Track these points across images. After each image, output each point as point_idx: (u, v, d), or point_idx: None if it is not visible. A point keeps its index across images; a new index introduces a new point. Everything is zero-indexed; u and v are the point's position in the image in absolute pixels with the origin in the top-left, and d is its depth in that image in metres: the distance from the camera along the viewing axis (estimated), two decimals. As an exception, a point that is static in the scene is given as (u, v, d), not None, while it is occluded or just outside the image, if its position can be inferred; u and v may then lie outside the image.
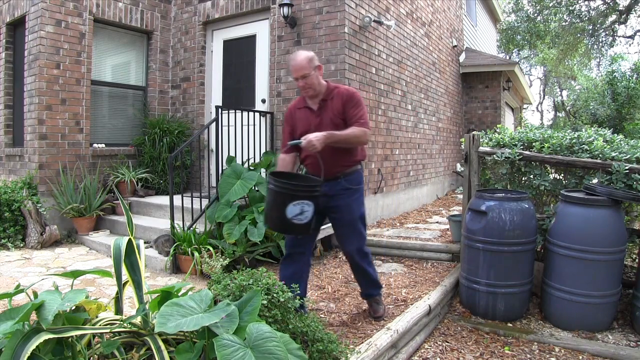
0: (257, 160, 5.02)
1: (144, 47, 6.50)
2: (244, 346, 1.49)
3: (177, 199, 4.45)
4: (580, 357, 2.73)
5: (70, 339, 1.60)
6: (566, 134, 3.70)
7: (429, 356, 2.71)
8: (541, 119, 30.45)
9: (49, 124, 5.25)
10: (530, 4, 17.31)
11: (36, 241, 4.85)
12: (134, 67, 6.43)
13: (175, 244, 4.03)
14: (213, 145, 5.30)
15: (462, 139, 3.94)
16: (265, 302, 1.84)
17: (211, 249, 3.86)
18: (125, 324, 1.80)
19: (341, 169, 2.70)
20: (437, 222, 5.82)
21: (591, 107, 14.48)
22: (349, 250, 2.82)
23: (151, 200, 5.55)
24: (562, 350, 2.80)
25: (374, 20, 5.57)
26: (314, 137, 2.44)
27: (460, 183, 9.22)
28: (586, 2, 14.74)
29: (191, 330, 1.56)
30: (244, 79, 5.95)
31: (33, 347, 1.41)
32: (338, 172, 2.69)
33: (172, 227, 4.19)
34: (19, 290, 1.72)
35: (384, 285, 3.64)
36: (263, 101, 5.71)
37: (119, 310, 2.02)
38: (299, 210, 2.32)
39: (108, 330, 1.76)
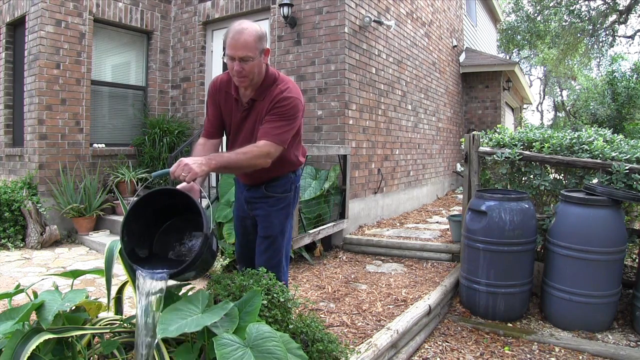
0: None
1: (144, 47, 6.50)
2: (244, 346, 1.49)
3: (177, 199, 4.44)
4: (580, 357, 2.73)
5: (70, 339, 1.60)
6: (566, 134, 3.70)
7: (429, 356, 2.71)
8: (541, 119, 30.48)
9: (49, 124, 5.25)
10: (530, 4, 17.31)
11: (36, 241, 4.85)
12: (134, 67, 6.43)
13: (175, 244, 4.02)
14: (213, 145, 5.29)
15: (462, 139, 3.94)
16: (265, 302, 1.84)
17: (211, 249, 3.85)
18: (125, 324, 1.80)
19: (266, 177, 2.24)
20: (437, 222, 5.82)
21: (591, 107, 14.50)
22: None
23: (151, 200, 5.54)
24: (562, 350, 2.80)
25: (374, 20, 5.57)
26: (192, 162, 1.74)
27: (460, 183, 9.22)
28: (586, 2, 14.74)
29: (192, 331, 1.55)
30: (244, 79, 5.95)
31: (33, 347, 1.41)
32: (263, 180, 2.26)
33: (172, 227, 4.18)
34: (19, 290, 1.72)
35: (384, 285, 3.64)
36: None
37: (119, 310, 2.02)
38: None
39: (108, 330, 1.76)
